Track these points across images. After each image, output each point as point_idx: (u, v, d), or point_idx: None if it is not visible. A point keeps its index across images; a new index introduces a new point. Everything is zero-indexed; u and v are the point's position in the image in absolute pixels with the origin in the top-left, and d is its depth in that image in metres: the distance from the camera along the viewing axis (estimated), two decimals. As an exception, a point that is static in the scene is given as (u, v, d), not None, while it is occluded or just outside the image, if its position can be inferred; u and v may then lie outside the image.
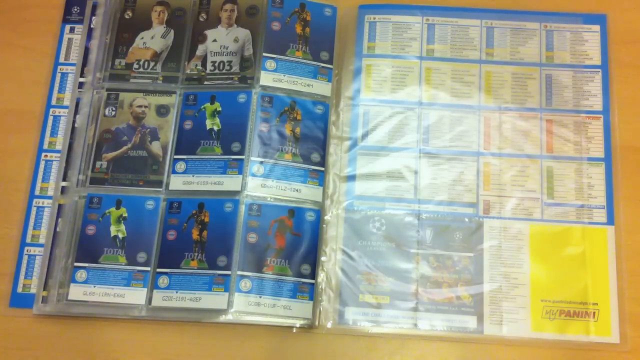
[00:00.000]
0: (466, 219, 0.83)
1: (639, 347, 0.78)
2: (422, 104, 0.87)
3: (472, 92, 0.87)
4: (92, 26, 0.90)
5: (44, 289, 0.80)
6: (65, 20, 0.92)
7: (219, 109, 0.84)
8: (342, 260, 0.82)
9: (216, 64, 0.86)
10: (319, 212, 0.82)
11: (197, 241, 0.80)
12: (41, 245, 0.82)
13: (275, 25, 0.87)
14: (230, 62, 0.86)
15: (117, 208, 0.81)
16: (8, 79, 0.90)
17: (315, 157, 0.83)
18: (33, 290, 0.80)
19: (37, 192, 0.84)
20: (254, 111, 0.84)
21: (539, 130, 0.85)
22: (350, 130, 0.86)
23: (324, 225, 0.82)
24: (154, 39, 0.88)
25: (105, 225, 0.81)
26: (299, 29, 0.87)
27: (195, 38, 0.88)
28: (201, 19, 0.89)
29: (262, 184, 0.81)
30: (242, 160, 0.82)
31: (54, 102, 0.88)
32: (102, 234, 0.80)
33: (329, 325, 0.79)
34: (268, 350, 0.79)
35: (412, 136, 0.86)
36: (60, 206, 0.83)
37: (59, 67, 0.90)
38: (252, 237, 0.80)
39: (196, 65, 0.87)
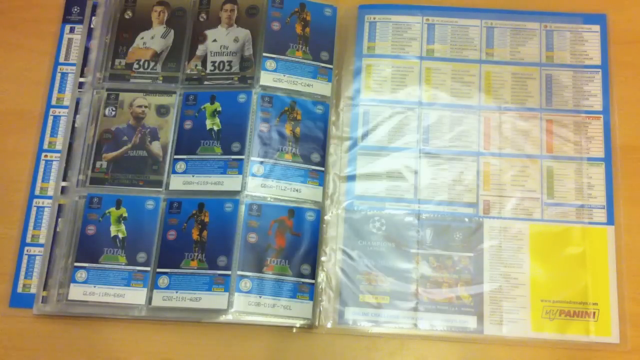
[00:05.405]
0: (466, 219, 0.83)
1: (639, 347, 0.78)
2: (422, 104, 0.87)
3: (472, 92, 0.87)
4: (92, 26, 0.90)
5: (44, 289, 0.79)
6: (65, 20, 0.92)
7: (219, 109, 0.84)
8: (342, 260, 0.82)
9: (216, 64, 0.86)
10: (319, 212, 0.82)
11: (197, 241, 0.80)
12: (41, 245, 0.82)
13: (275, 25, 0.87)
14: (230, 62, 0.86)
15: (117, 208, 0.81)
16: (8, 79, 0.90)
17: (315, 157, 0.83)
18: (33, 290, 0.80)
19: (37, 192, 0.84)
20: (254, 111, 0.84)
21: (539, 130, 0.85)
22: (350, 130, 0.86)
23: (324, 225, 0.82)
24: (154, 39, 0.88)
25: (105, 225, 0.81)
26: (299, 29, 0.87)
27: (195, 38, 0.88)
28: (201, 19, 0.89)
29: (262, 184, 0.81)
30: (242, 160, 0.82)
31: (54, 102, 0.88)
32: (102, 234, 0.80)
33: (329, 325, 0.79)
34: (268, 350, 0.79)
35: (412, 136, 0.86)
36: (60, 206, 0.83)
37: (59, 67, 0.89)
38: (252, 237, 0.80)
39: (196, 65, 0.87)
